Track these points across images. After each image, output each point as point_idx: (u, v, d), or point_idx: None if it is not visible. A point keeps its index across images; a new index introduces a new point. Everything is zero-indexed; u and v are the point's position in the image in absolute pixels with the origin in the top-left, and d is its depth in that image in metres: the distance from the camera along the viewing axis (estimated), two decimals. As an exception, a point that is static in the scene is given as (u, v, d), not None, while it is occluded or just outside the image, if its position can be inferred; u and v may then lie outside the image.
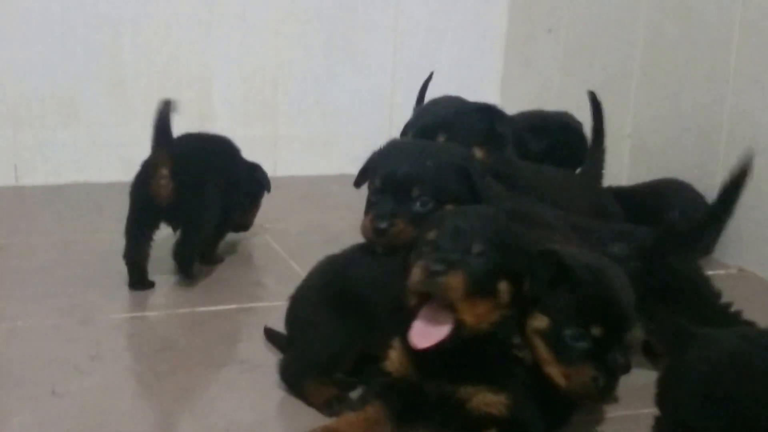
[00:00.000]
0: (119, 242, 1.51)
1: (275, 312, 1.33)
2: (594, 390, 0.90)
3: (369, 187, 1.13)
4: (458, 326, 0.90)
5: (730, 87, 1.63)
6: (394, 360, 0.96)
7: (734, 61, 1.62)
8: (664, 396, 0.85)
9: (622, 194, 1.63)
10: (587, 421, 1.05)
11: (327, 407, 1.03)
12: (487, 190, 1.11)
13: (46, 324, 1.27)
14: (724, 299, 1.14)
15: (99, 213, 1.84)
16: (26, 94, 2.02)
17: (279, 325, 1.21)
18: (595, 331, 0.90)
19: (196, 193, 1.42)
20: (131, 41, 2.06)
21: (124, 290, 1.41)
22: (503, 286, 0.91)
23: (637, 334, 0.97)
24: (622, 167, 1.90)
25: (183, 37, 2.09)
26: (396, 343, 0.96)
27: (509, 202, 1.15)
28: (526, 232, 0.96)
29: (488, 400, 0.92)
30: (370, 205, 1.11)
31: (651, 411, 1.02)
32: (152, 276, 1.45)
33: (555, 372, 0.91)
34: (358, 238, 1.14)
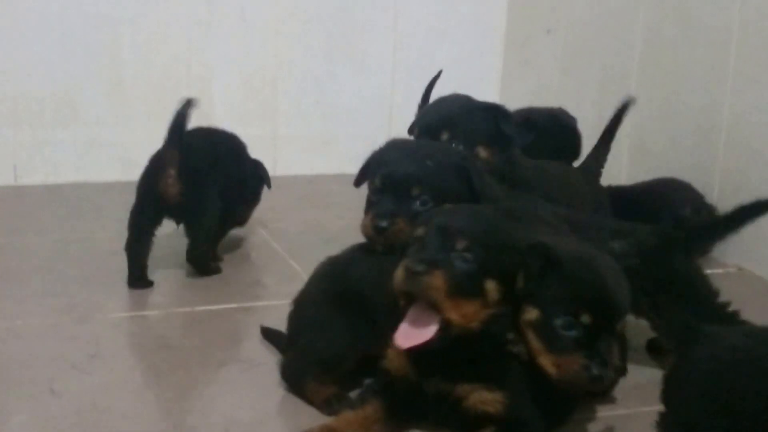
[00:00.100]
0: (118, 242, 1.51)
1: (275, 311, 1.33)
2: (585, 378, 0.90)
3: (369, 187, 1.14)
4: (445, 326, 0.90)
5: (728, 87, 1.64)
6: (392, 359, 0.96)
7: (733, 61, 1.62)
8: (670, 393, 0.85)
9: (621, 193, 1.63)
10: (586, 420, 1.05)
11: (326, 406, 1.03)
12: (487, 189, 1.12)
13: (45, 323, 1.27)
14: (724, 298, 1.14)
15: (98, 213, 1.84)
16: (25, 93, 2.02)
17: (279, 324, 1.21)
18: (585, 318, 0.90)
19: (202, 193, 1.44)
20: (131, 41, 2.06)
21: (123, 289, 1.41)
22: (491, 285, 0.91)
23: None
24: (621, 167, 1.90)
25: (182, 36, 2.10)
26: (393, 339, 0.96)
27: (507, 200, 1.15)
28: (518, 230, 0.96)
29: (485, 398, 0.92)
30: (370, 205, 1.12)
31: (649, 409, 1.02)
32: (151, 275, 1.46)
33: (546, 362, 0.91)
34: (357, 238, 1.14)
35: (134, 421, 1.01)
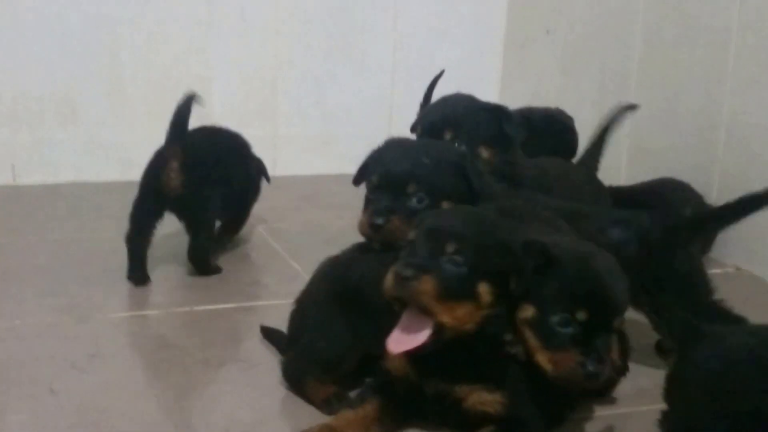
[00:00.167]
0: (118, 242, 1.51)
1: (275, 311, 1.33)
2: (581, 375, 0.90)
3: (366, 185, 1.14)
4: (438, 329, 0.90)
5: (727, 87, 1.64)
6: (392, 358, 0.96)
7: (732, 61, 1.63)
8: (672, 391, 0.85)
9: (620, 194, 1.63)
10: (585, 419, 1.05)
11: (326, 405, 1.03)
12: (485, 187, 1.12)
13: (45, 323, 1.26)
14: (722, 297, 1.14)
15: (97, 212, 1.84)
16: (24, 93, 2.02)
17: (278, 324, 1.21)
18: (581, 315, 0.90)
19: (204, 189, 1.45)
20: (130, 41, 2.06)
21: (123, 289, 1.41)
22: (483, 287, 0.91)
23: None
24: (620, 167, 1.90)
25: (182, 37, 2.10)
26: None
27: (506, 198, 1.15)
28: (513, 229, 0.95)
29: (484, 399, 0.93)
30: (367, 202, 1.12)
31: (648, 408, 1.02)
32: (151, 275, 1.46)
33: (542, 358, 0.91)
34: (357, 237, 1.14)
35: (134, 420, 1.00)
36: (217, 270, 1.50)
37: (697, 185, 1.66)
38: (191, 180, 1.42)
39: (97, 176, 2.08)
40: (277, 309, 1.33)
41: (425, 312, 0.90)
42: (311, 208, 1.94)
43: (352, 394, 1.05)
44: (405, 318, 0.92)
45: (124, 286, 1.42)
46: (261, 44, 2.16)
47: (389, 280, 0.90)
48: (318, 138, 2.24)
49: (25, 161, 2.05)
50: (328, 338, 1.06)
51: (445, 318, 0.90)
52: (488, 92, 2.20)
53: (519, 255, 0.91)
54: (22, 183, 2.04)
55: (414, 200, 1.09)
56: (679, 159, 1.75)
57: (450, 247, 0.90)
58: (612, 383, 1.08)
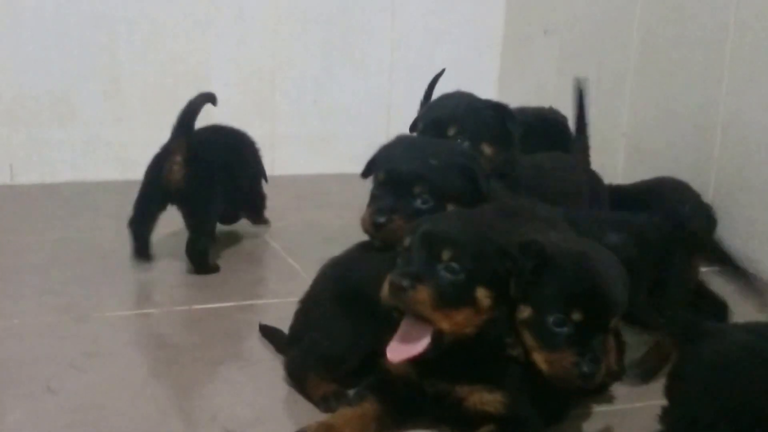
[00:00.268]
0: (116, 241, 1.52)
1: (273, 309, 1.33)
2: (576, 375, 0.90)
3: (373, 181, 1.14)
4: (437, 336, 0.90)
5: (724, 87, 1.65)
6: (392, 358, 0.96)
7: (728, 61, 1.63)
8: (673, 387, 0.86)
9: (618, 193, 1.64)
10: (583, 416, 1.05)
11: (323, 402, 1.03)
12: (490, 190, 1.12)
13: (43, 322, 1.26)
14: (719, 295, 1.15)
15: (95, 212, 1.84)
16: (22, 92, 2.02)
17: (277, 323, 1.21)
18: (576, 316, 0.90)
19: (205, 185, 1.46)
20: (127, 40, 2.06)
21: (121, 288, 1.41)
22: (481, 293, 0.91)
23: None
24: (617, 166, 1.91)
25: (180, 36, 2.09)
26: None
27: (507, 198, 1.15)
28: (510, 230, 0.95)
29: (485, 399, 0.93)
30: (372, 199, 1.12)
31: (644, 405, 1.03)
32: (150, 274, 1.46)
33: (539, 358, 0.92)
34: (356, 236, 1.14)
35: (133, 419, 1.00)
36: (215, 269, 1.50)
37: (695, 184, 1.67)
38: (193, 175, 1.43)
39: (95, 175, 2.08)
40: (276, 307, 1.33)
41: (424, 319, 0.90)
42: (310, 207, 1.94)
43: (352, 392, 1.05)
44: (404, 325, 0.91)
45: (122, 285, 1.42)
46: (259, 44, 2.16)
47: (386, 289, 0.90)
48: (316, 137, 2.24)
49: (23, 160, 2.04)
50: (331, 337, 1.06)
51: (444, 325, 0.90)
52: (486, 92, 2.17)
53: (516, 258, 0.91)
54: (20, 182, 2.04)
55: (419, 201, 1.08)
56: (676, 158, 1.76)
57: (446, 254, 0.90)
58: (606, 385, 1.08)
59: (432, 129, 1.29)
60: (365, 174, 1.17)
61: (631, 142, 1.90)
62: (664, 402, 0.88)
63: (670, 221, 1.16)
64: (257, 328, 1.24)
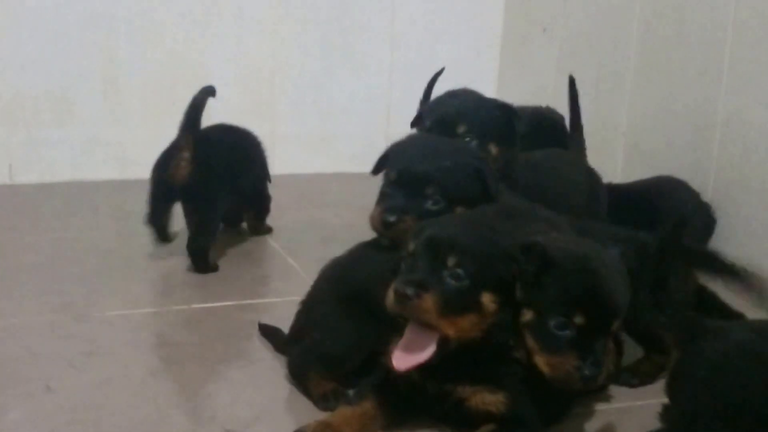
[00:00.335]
0: (114, 240, 1.52)
1: (272, 308, 1.33)
2: (577, 379, 0.90)
3: (384, 178, 1.13)
4: (443, 342, 0.90)
5: (723, 85, 1.65)
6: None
7: (727, 59, 1.63)
8: (674, 385, 0.86)
9: (617, 192, 1.64)
10: (583, 414, 1.05)
11: (322, 401, 1.03)
12: (498, 192, 1.11)
13: (42, 321, 1.26)
14: (718, 292, 1.15)
15: (94, 211, 1.84)
16: (20, 92, 2.02)
17: (276, 322, 1.21)
18: (578, 320, 0.90)
19: (211, 182, 1.47)
20: (126, 39, 2.06)
21: (120, 287, 1.41)
22: (486, 297, 0.91)
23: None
24: (616, 165, 1.91)
25: (179, 35, 2.09)
26: (396, 338, 0.96)
27: (509, 199, 1.15)
28: (513, 232, 0.95)
29: (487, 400, 0.93)
30: (382, 197, 1.11)
31: (644, 403, 1.03)
32: (149, 273, 1.46)
33: (540, 361, 0.92)
34: (354, 236, 1.14)
35: (131, 418, 1.00)
36: (214, 268, 1.50)
37: (693, 183, 1.67)
38: (199, 172, 1.44)
39: (93, 175, 2.08)
40: (275, 306, 1.33)
41: (429, 326, 0.90)
42: (309, 206, 1.94)
43: (352, 392, 1.05)
44: (408, 332, 0.91)
45: (121, 284, 1.42)
46: (258, 43, 2.16)
47: (390, 297, 0.89)
48: (316, 137, 2.24)
49: (22, 160, 2.04)
50: (333, 337, 1.06)
51: (450, 331, 0.90)
52: (485, 91, 2.15)
53: (520, 261, 0.91)
54: (19, 182, 2.04)
55: (429, 202, 1.08)
56: (675, 157, 1.76)
57: (451, 260, 0.90)
58: (606, 384, 1.08)
59: (440, 126, 1.28)
60: (375, 171, 1.16)
61: (630, 141, 1.90)
62: (663, 400, 0.88)
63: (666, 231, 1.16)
64: (256, 327, 1.24)
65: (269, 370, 1.12)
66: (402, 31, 2.27)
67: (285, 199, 1.80)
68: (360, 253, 1.12)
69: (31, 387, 1.06)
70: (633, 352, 1.15)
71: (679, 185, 1.68)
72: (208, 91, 1.47)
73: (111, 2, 2.03)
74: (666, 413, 0.86)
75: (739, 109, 1.62)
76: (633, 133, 1.89)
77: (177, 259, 1.53)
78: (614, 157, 1.90)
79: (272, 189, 1.71)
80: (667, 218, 1.53)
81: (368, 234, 1.16)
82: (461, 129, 1.27)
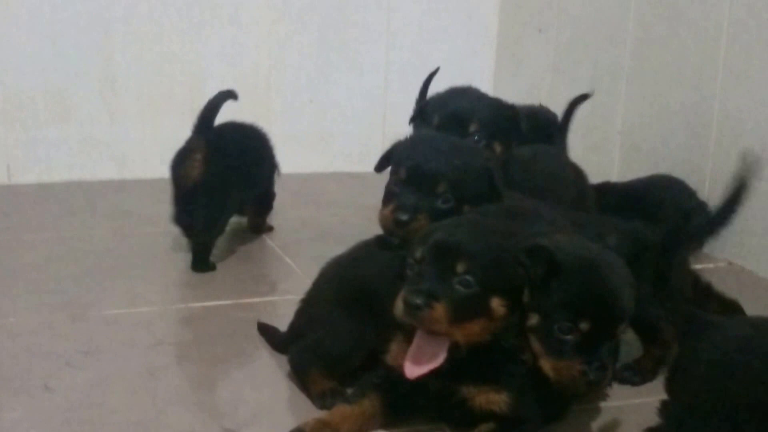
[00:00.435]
0: (112, 240, 1.52)
1: (270, 307, 1.33)
2: (582, 384, 0.90)
3: (391, 177, 1.12)
4: (453, 348, 0.90)
5: (718, 84, 1.65)
6: (395, 353, 0.96)
7: (723, 58, 1.64)
8: (674, 381, 0.86)
9: (614, 191, 1.64)
10: (582, 412, 1.05)
11: (320, 399, 1.03)
12: (504, 191, 1.11)
13: (40, 320, 1.26)
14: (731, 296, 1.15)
15: (92, 211, 1.84)
16: (18, 92, 2.02)
17: (274, 321, 1.22)
18: (584, 325, 0.90)
19: (222, 182, 1.48)
20: (123, 39, 2.06)
21: (118, 286, 1.41)
22: (496, 302, 0.91)
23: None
24: (612, 164, 1.92)
25: (175, 35, 2.09)
26: (397, 336, 0.96)
27: (510, 199, 1.15)
28: (519, 234, 0.94)
29: (491, 399, 0.93)
30: (391, 195, 1.10)
31: (642, 401, 1.03)
32: (147, 273, 1.46)
33: (546, 365, 0.92)
34: (351, 235, 1.15)
35: (129, 417, 1.00)
36: (212, 267, 1.51)
37: (690, 181, 1.67)
38: (211, 173, 1.45)
39: (91, 175, 2.08)
40: (273, 305, 1.34)
41: (440, 334, 0.90)
42: (305, 205, 1.95)
43: (351, 390, 1.05)
44: (418, 339, 0.91)
45: (119, 283, 1.43)
46: (255, 43, 2.16)
47: (399, 308, 0.89)
48: (312, 136, 2.25)
49: (20, 160, 2.04)
50: (334, 336, 1.06)
51: (460, 337, 0.90)
52: (481, 90, 2.21)
53: (527, 265, 0.90)
54: (17, 182, 2.04)
55: (440, 201, 1.07)
56: (671, 155, 1.76)
57: (460, 267, 0.89)
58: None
59: (451, 123, 1.27)
60: (380, 168, 1.15)
61: (627, 139, 1.91)
62: (662, 398, 0.88)
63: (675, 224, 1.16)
64: (254, 325, 1.24)
65: (268, 368, 1.13)
66: (398, 31, 2.27)
67: (282, 198, 1.80)
68: (362, 251, 1.12)
69: (28, 386, 1.06)
70: (633, 350, 1.15)
71: (675, 184, 1.68)
72: (228, 95, 1.48)
73: (108, 2, 2.03)
74: (665, 409, 0.86)
75: (734, 108, 1.63)
76: (629, 132, 1.90)
77: (175, 258, 1.53)
78: (611, 156, 1.91)
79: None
80: (664, 217, 1.53)
81: (365, 232, 1.16)
82: (473, 127, 1.26)
